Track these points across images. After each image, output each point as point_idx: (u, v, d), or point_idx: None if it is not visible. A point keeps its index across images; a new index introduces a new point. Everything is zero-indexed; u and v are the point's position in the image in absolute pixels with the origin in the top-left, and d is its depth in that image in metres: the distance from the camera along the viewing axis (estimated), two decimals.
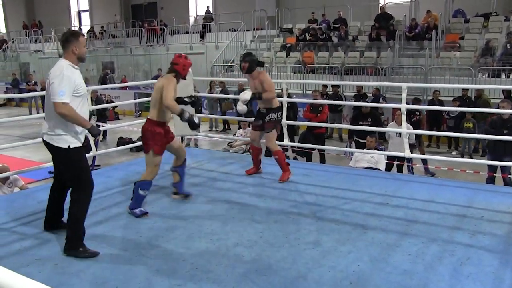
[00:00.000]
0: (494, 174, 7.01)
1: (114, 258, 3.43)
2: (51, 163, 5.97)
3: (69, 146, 3.51)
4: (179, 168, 4.75)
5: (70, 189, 3.64)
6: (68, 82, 3.43)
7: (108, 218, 4.27)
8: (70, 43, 3.55)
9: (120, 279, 3.13)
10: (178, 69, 4.43)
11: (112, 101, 13.44)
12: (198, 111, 10.65)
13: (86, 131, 3.68)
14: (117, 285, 3.06)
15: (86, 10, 27.73)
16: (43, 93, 8.35)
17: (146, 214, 4.33)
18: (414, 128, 8.17)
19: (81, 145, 3.62)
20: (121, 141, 10.71)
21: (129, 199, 4.49)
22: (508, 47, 12.60)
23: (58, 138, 3.51)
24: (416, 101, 9.96)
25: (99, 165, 8.75)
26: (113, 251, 3.52)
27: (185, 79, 4.60)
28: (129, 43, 21.48)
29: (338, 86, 12.35)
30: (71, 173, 3.60)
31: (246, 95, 5.27)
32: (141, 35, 21.22)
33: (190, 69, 4.62)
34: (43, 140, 3.60)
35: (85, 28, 25.67)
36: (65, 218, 3.79)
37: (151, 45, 20.60)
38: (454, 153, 10.68)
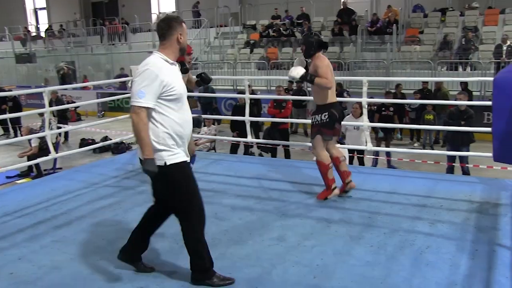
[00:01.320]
0: (453, 164, 7.22)
1: (74, 263, 3.32)
2: (9, 167, 5.80)
3: (165, 163, 2.80)
4: None
5: (177, 218, 2.99)
6: (152, 81, 2.68)
7: (70, 221, 4.15)
8: (173, 30, 2.80)
9: (80, 285, 3.05)
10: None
11: (73, 102, 13.04)
12: None
13: (185, 141, 2.89)
14: None
15: (43, 8, 26.88)
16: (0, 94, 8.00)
17: None
18: (385, 122, 8.34)
19: (184, 160, 2.87)
20: (84, 143, 10.46)
21: (92, 201, 4.37)
22: (463, 42, 13.00)
23: (155, 154, 2.79)
24: (387, 94, 10.15)
25: (61, 168, 8.51)
26: (73, 256, 3.42)
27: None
28: (90, 42, 20.96)
29: (301, 81, 12.41)
30: (173, 197, 2.91)
31: (297, 70, 4.44)
32: (102, 33, 20.76)
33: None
34: None
35: (43, 27, 24.84)
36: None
37: (112, 44, 20.18)
38: (416, 144, 10.94)
